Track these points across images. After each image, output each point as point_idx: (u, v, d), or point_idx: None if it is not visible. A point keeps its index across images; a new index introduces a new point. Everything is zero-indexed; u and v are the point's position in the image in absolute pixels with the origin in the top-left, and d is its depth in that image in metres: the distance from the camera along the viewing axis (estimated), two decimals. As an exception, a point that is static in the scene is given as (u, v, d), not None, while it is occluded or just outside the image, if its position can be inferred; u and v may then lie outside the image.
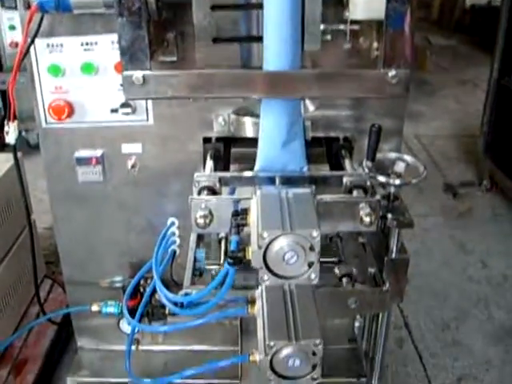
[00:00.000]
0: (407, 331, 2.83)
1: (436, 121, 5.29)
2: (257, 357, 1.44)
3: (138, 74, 1.44)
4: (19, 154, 2.11)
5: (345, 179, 1.64)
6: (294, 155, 1.66)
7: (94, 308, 2.07)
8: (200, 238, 1.79)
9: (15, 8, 4.17)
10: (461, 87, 6.19)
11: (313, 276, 1.36)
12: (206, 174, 1.71)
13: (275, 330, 1.33)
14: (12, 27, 4.31)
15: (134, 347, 2.17)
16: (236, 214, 1.48)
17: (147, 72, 1.44)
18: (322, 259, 1.42)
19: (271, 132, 1.63)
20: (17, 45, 4.32)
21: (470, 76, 6.43)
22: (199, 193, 1.61)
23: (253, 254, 1.34)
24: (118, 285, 2.14)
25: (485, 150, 4.14)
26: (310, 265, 1.34)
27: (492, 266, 3.34)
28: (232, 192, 1.70)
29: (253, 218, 1.44)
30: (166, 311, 1.92)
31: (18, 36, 4.23)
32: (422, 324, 2.88)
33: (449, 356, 2.69)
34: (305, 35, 1.53)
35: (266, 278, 1.36)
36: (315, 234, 1.31)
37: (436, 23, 8.57)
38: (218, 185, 1.62)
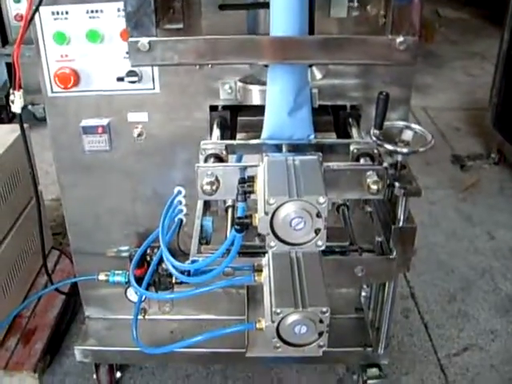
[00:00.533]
0: (413, 302, 2.84)
1: (444, 93, 5.25)
2: (263, 324, 1.45)
3: (143, 41, 1.42)
4: (26, 125, 2.11)
5: (352, 147, 1.63)
6: (301, 123, 1.65)
7: (101, 277, 2.08)
8: (206, 206, 1.79)
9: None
10: (469, 60, 6.12)
11: (320, 243, 1.36)
12: (213, 141, 1.71)
13: (282, 297, 1.34)
14: (17, 0, 4.28)
15: (140, 316, 2.17)
16: (243, 181, 1.47)
17: (153, 38, 1.42)
18: (332, 243, 1.43)
19: (278, 99, 1.62)
20: (22, 17, 4.29)
21: (479, 49, 6.36)
22: (206, 160, 1.61)
23: (260, 220, 1.34)
24: (125, 254, 2.15)
25: (493, 123, 4.10)
26: (317, 231, 1.34)
27: (499, 238, 3.33)
28: (239, 160, 1.69)
29: (259, 184, 1.44)
30: (173, 280, 1.93)
31: (23, 9, 4.19)
32: (428, 295, 2.89)
33: (454, 326, 2.70)
34: (331, 2, 1.51)
35: (272, 244, 1.35)
36: (322, 200, 1.30)
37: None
38: (224, 152, 1.62)
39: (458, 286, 2.95)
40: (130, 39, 1.44)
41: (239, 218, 1.40)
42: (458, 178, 3.94)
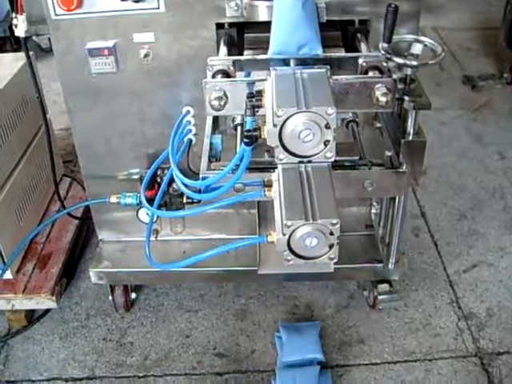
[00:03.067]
0: (424, 221, 2.86)
1: (455, 13, 5.12)
2: (274, 237, 1.46)
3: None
4: (31, 52, 2.09)
5: (360, 60, 1.61)
6: (309, 37, 1.62)
7: (113, 200, 2.10)
8: (215, 125, 1.79)
9: None
10: (482, -23, 5.96)
11: (329, 154, 1.36)
12: (220, 57, 1.69)
13: (292, 210, 1.35)
14: None
15: (153, 237, 2.21)
16: (251, 95, 1.47)
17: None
18: (342, 158, 1.43)
19: (285, 13, 1.60)
20: None
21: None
22: (213, 77, 1.59)
23: (268, 132, 1.34)
24: (136, 176, 2.16)
25: (506, 42, 4.01)
26: (326, 143, 1.34)
27: (509, 157, 3.31)
28: (247, 76, 1.67)
29: (268, 98, 1.43)
30: (184, 200, 1.96)
31: None
32: (439, 214, 2.90)
33: (464, 244, 2.73)
34: None
35: (282, 156, 1.36)
36: (331, 111, 1.30)
37: None
38: (232, 68, 1.60)
39: (468, 205, 2.96)
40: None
41: (248, 130, 1.40)
42: (470, 99, 3.89)
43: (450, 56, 4.34)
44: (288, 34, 1.62)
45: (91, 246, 2.71)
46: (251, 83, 1.49)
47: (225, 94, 1.48)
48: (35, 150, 2.62)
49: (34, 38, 4.43)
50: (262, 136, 1.38)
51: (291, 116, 1.30)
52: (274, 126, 1.31)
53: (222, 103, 1.49)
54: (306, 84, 1.42)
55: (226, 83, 1.50)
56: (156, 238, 2.24)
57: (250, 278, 2.27)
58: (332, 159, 1.37)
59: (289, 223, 1.32)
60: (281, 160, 1.37)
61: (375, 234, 2.21)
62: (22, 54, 2.23)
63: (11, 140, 2.40)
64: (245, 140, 1.40)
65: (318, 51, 1.64)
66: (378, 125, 1.86)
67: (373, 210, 2.26)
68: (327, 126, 1.32)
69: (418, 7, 1.91)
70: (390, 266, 2.11)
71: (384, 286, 2.29)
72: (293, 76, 1.46)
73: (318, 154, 1.36)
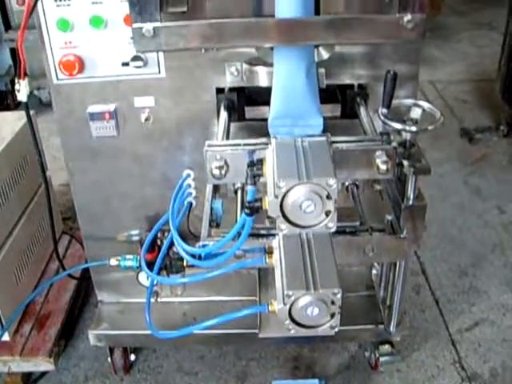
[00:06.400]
0: (424, 277, 2.84)
1: (451, 65, 5.19)
2: (276, 306, 1.44)
3: (148, 26, 1.42)
4: (32, 112, 2.10)
5: (365, 143, 1.60)
6: (308, 103, 1.63)
7: (113, 262, 2.09)
8: (216, 188, 1.79)
9: (21, -37, 4.11)
10: (477, 30, 6.05)
11: (330, 224, 1.36)
12: (218, 142, 1.68)
13: (293, 280, 1.34)
14: (19, -16, 4.24)
15: (152, 299, 2.18)
16: (252, 164, 1.47)
17: (157, 24, 1.41)
18: (342, 223, 1.42)
19: (285, 80, 1.60)
20: (24, 1, 4.24)
21: (487, 19, 6.28)
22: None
23: (270, 203, 1.34)
24: (136, 238, 2.16)
25: (502, 94, 4.05)
26: (328, 213, 1.34)
27: (508, 211, 3.31)
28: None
29: (269, 167, 1.44)
30: (184, 263, 1.94)
31: (25, -8, 4.18)
32: (439, 270, 2.89)
33: (466, 301, 2.71)
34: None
35: (283, 227, 1.36)
36: (332, 182, 1.30)
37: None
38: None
39: (468, 261, 2.94)
40: (134, 25, 1.43)
41: (249, 202, 1.40)
42: (467, 151, 3.92)
43: (447, 109, 4.38)
44: (288, 99, 1.62)
45: (90, 304, 2.68)
46: (252, 151, 1.50)
47: (226, 162, 1.49)
48: (35, 207, 2.62)
49: (35, 91, 4.48)
50: (264, 206, 1.38)
51: (292, 187, 1.31)
52: (276, 197, 1.31)
53: (223, 172, 1.49)
54: (306, 153, 1.43)
55: (227, 152, 1.50)
56: (156, 300, 2.21)
57: (251, 341, 2.25)
58: (333, 229, 1.37)
59: (290, 293, 1.32)
60: (282, 230, 1.37)
61: (376, 295, 2.20)
62: (23, 113, 2.25)
63: (11, 198, 2.40)
64: (246, 211, 1.40)
65: (319, 121, 1.64)
66: (378, 187, 1.86)
67: (373, 271, 2.25)
68: (328, 197, 1.32)
69: (416, 70, 1.93)
70: (391, 327, 2.09)
71: (386, 348, 2.27)
72: (293, 145, 1.46)
73: (319, 224, 1.36)
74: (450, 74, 5.03)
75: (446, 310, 2.66)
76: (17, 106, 4.48)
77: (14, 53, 4.47)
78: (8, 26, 4.45)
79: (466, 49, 5.61)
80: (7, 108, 4.61)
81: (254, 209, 1.39)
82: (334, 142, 1.54)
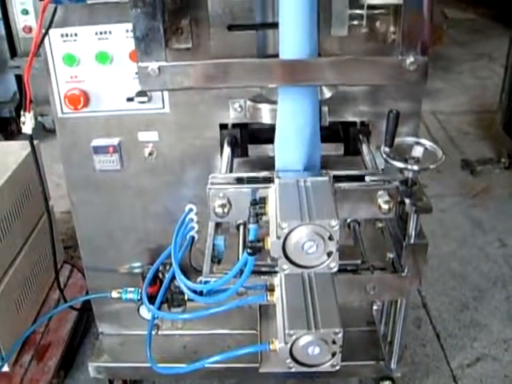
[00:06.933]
0: (425, 311, 2.83)
1: (452, 97, 5.22)
2: (277, 345, 1.45)
3: (153, 66, 1.44)
4: (36, 142, 2.12)
5: (367, 178, 1.61)
6: (311, 142, 1.65)
7: (114, 295, 2.09)
8: (218, 224, 1.79)
9: (28, -8, 4.17)
10: (478, 61, 6.09)
11: (332, 265, 1.37)
12: (222, 175, 1.70)
13: (295, 319, 1.35)
14: (25, 11, 4.28)
15: (153, 332, 2.18)
16: (254, 202, 1.48)
17: (163, 63, 1.43)
18: (344, 262, 1.42)
19: (288, 118, 1.62)
20: (30, 29, 4.31)
21: (488, 50, 6.33)
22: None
23: (272, 244, 1.35)
24: (137, 270, 2.16)
25: (503, 126, 4.07)
26: (329, 254, 1.35)
27: (510, 244, 3.30)
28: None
29: (271, 207, 1.44)
30: (186, 297, 1.94)
31: (31, 20, 4.23)
32: (440, 304, 2.88)
33: (467, 336, 2.69)
34: (332, 20, 1.52)
35: (285, 267, 1.36)
36: (334, 223, 1.31)
37: (452, -5, 8.42)
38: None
39: (469, 295, 2.93)
40: (140, 64, 1.45)
41: (251, 241, 1.40)
42: (469, 184, 3.92)
43: (449, 140, 4.41)
44: (291, 138, 1.63)
45: (90, 335, 2.67)
46: (255, 190, 1.51)
47: (229, 201, 1.50)
48: (37, 236, 2.62)
49: (39, 118, 4.51)
50: (266, 247, 1.39)
51: (295, 228, 1.31)
52: (278, 237, 1.32)
53: (226, 210, 1.50)
54: (309, 194, 1.43)
55: (230, 190, 1.51)
56: (157, 332, 2.21)
57: (251, 375, 2.23)
58: (335, 269, 1.38)
59: (291, 332, 1.33)
60: (284, 270, 1.37)
61: (377, 331, 2.19)
62: (27, 143, 2.26)
63: (14, 228, 2.41)
64: (248, 251, 1.40)
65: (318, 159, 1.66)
66: (380, 225, 1.87)
67: (374, 307, 2.24)
68: (330, 238, 1.32)
69: (418, 108, 1.95)
70: (392, 364, 2.08)
71: (387, 384, 2.26)
72: (296, 185, 1.47)
73: (321, 264, 1.36)
74: (452, 105, 5.05)
75: (447, 344, 2.64)
76: (20, 131, 4.49)
77: (19, 79, 4.51)
78: (14, 53, 4.49)
79: (468, 80, 5.64)
80: (11, 134, 4.65)
81: (257, 249, 1.40)
82: (335, 178, 1.55)
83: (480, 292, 2.96)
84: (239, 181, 1.57)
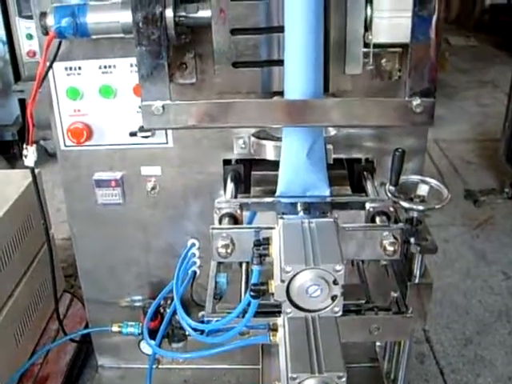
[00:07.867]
0: (428, 346, 2.80)
1: (455, 124, 5.22)
2: (279, 388, 1.43)
3: (157, 104, 1.43)
4: (37, 171, 2.10)
5: (367, 205, 1.62)
6: (316, 179, 1.64)
7: (115, 329, 2.07)
8: (220, 261, 1.78)
9: (32, 18, 4.18)
10: (481, 89, 6.10)
11: (336, 309, 1.35)
12: (227, 200, 1.70)
13: (298, 362, 1.32)
14: (29, 36, 4.31)
15: (154, 366, 2.16)
16: (258, 243, 1.46)
17: (167, 102, 1.43)
18: (348, 302, 1.41)
19: (293, 155, 1.61)
20: (34, 54, 4.34)
21: (491, 77, 6.35)
22: (220, 220, 1.59)
23: (276, 288, 1.33)
24: (138, 304, 2.15)
25: (506, 156, 4.07)
26: (334, 298, 1.33)
27: (514, 276, 3.29)
28: (252, 216, 1.68)
29: (275, 249, 1.42)
30: (187, 332, 1.92)
31: (35, 45, 4.23)
32: (444, 339, 2.84)
33: (471, 372, 2.66)
34: (346, 59, 1.51)
35: (288, 310, 1.35)
36: (339, 267, 1.29)
37: (455, 22, 8.46)
38: (239, 211, 1.60)
39: (473, 329, 2.90)
40: (144, 102, 1.45)
41: (255, 284, 1.38)
42: (472, 214, 3.90)
43: (452, 169, 4.40)
44: (296, 175, 1.62)
45: (90, 367, 2.63)
46: (258, 231, 1.49)
47: (232, 241, 1.48)
48: (38, 266, 2.60)
49: (41, 142, 4.51)
50: (270, 290, 1.37)
51: (299, 272, 1.30)
52: (282, 281, 1.30)
53: (229, 251, 1.48)
54: (314, 236, 1.41)
55: (233, 231, 1.50)
56: (157, 366, 2.19)
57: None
58: (339, 314, 1.36)
59: (294, 376, 1.30)
60: (288, 314, 1.35)
61: (380, 368, 2.16)
62: (28, 172, 2.24)
63: (14, 258, 2.39)
64: (251, 294, 1.38)
65: (326, 193, 1.65)
66: (384, 262, 1.84)
67: (377, 343, 2.21)
68: (335, 282, 1.30)
69: (424, 145, 1.94)
70: (396, 403, 2.05)
71: (390, 421, 2.22)
72: (300, 226, 1.45)
73: (325, 308, 1.35)
74: (455, 133, 5.05)
75: (451, 380, 2.61)
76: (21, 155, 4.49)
77: (22, 103, 4.53)
78: (18, 77, 4.51)
79: (470, 107, 5.65)
80: (14, 157, 4.65)
81: (260, 292, 1.38)
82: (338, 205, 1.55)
83: (484, 326, 2.92)
84: (244, 206, 1.60)
